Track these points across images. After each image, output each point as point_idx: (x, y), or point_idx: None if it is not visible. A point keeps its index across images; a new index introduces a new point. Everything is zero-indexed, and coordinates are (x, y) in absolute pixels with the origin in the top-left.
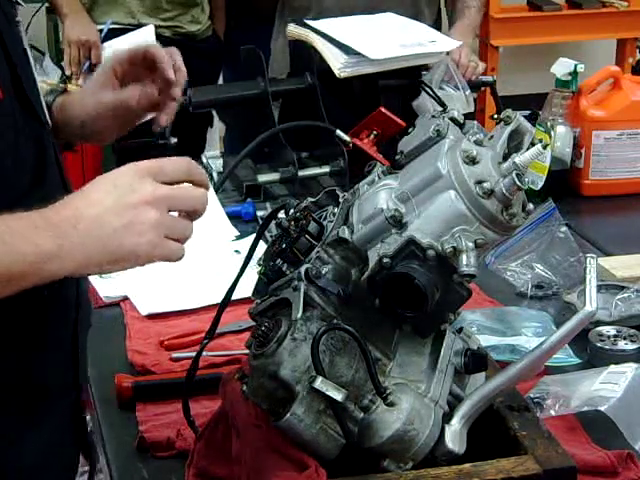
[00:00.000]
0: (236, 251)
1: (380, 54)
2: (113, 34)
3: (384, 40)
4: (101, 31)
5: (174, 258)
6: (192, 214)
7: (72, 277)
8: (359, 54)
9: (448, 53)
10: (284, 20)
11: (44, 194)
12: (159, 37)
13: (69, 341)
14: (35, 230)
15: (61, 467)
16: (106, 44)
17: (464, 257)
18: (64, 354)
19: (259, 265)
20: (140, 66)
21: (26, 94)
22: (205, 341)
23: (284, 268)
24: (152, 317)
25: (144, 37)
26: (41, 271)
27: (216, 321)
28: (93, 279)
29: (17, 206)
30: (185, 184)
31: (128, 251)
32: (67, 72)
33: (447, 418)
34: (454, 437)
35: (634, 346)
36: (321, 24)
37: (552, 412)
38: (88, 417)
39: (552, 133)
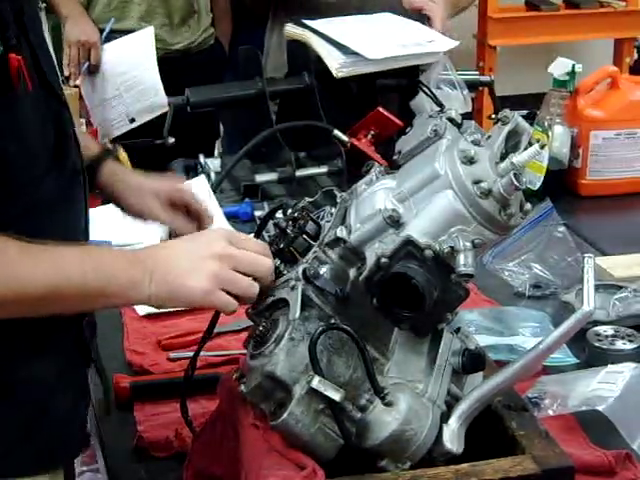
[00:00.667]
0: None
1: (378, 54)
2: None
3: (382, 40)
4: (102, 31)
5: (225, 310)
6: (258, 278)
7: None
8: (357, 54)
9: (445, 53)
10: (277, 18)
11: (63, 167)
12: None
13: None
14: (128, 262)
15: (72, 392)
16: (105, 46)
17: (462, 257)
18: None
19: None
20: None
21: (44, 72)
22: (203, 341)
23: (282, 268)
24: (150, 317)
25: (143, 40)
26: (125, 296)
27: (214, 321)
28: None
29: (40, 181)
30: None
31: (185, 292)
32: (66, 73)
33: (445, 418)
34: (452, 437)
35: (632, 346)
36: (318, 24)
37: (550, 412)
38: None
39: (550, 133)
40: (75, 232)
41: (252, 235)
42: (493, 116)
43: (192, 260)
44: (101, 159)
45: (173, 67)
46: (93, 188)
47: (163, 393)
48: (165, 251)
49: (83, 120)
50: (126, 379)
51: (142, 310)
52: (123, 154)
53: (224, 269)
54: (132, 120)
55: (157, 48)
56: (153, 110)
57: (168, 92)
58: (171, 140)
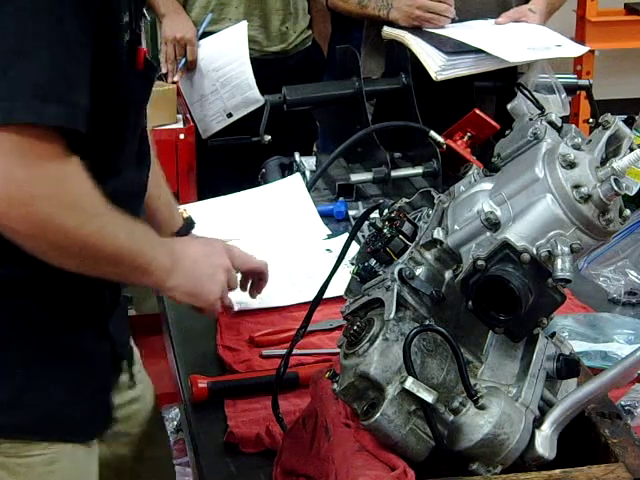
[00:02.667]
0: (327, 250)
1: (515, 57)
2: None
3: (513, 43)
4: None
5: (213, 314)
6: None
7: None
8: (494, 55)
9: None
10: (371, 23)
11: (138, 127)
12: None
13: None
14: (159, 245)
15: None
16: (200, 42)
17: (559, 262)
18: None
19: (352, 264)
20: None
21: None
22: (296, 338)
23: (377, 268)
24: (243, 313)
25: (236, 35)
26: (149, 275)
27: (308, 319)
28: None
29: (125, 139)
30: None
31: (204, 293)
32: (163, 70)
33: (538, 423)
34: (544, 442)
35: None
36: (442, 30)
37: None
38: (176, 410)
39: None
40: None
41: (346, 235)
42: (591, 120)
43: (211, 266)
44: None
45: (270, 70)
46: None
47: (241, 393)
48: (191, 251)
49: (180, 116)
50: (204, 379)
51: (236, 306)
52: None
53: (225, 282)
54: (229, 115)
55: (253, 50)
56: (248, 105)
57: (265, 93)
58: (267, 138)
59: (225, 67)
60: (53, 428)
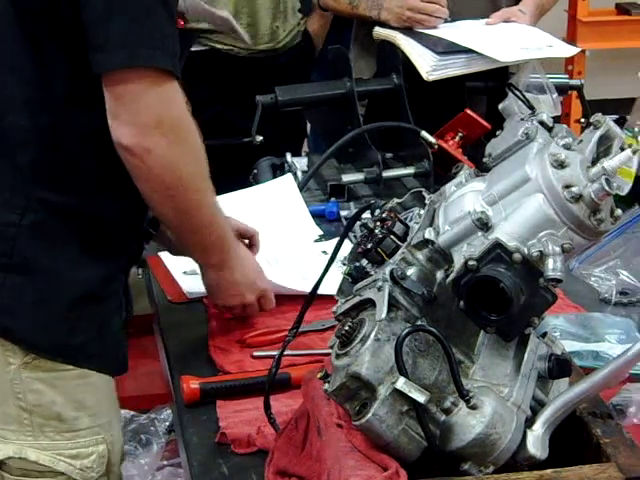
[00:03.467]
0: (323, 252)
1: (507, 57)
2: None
3: (505, 43)
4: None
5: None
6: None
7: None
8: (485, 56)
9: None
10: (361, 24)
11: None
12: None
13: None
14: (226, 244)
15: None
16: None
17: (551, 261)
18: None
19: (344, 265)
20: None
21: None
22: (288, 339)
23: (369, 268)
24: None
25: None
26: (219, 264)
27: (299, 319)
28: (177, 275)
29: None
30: None
31: (256, 285)
32: None
33: (529, 423)
34: (536, 442)
35: None
36: (433, 30)
37: (635, 420)
38: (168, 411)
39: (639, 138)
40: None
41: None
42: (582, 120)
43: (257, 269)
44: None
45: (260, 69)
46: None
47: (232, 394)
48: (242, 251)
49: None
50: (195, 380)
51: None
52: None
53: (254, 302)
54: None
55: (241, 49)
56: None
57: (256, 92)
58: (259, 138)
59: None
60: (85, 358)
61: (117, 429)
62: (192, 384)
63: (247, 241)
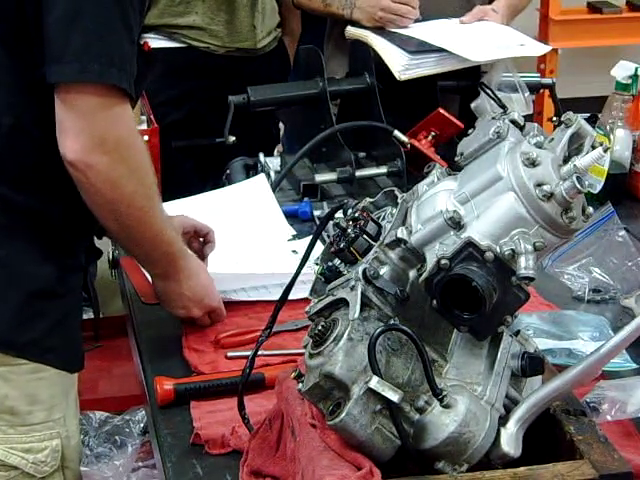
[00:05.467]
0: (293, 251)
1: (479, 56)
2: None
3: (478, 42)
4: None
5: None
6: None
7: None
8: (422, 56)
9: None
10: (334, 22)
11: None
12: (209, 55)
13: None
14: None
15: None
16: None
17: (523, 260)
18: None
19: (317, 265)
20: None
21: None
22: (261, 339)
23: (342, 268)
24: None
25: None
26: (174, 277)
27: (273, 319)
28: (150, 277)
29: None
30: None
31: (211, 297)
32: None
33: (503, 421)
34: (510, 440)
35: None
36: (405, 30)
37: (608, 417)
38: (142, 412)
39: (611, 136)
40: None
41: (311, 236)
42: (554, 119)
43: (210, 282)
44: None
45: (235, 69)
46: None
47: (208, 395)
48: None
49: (144, 117)
50: (170, 381)
51: None
52: None
53: (203, 317)
54: None
55: (217, 46)
56: None
57: (231, 91)
58: (232, 139)
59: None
60: (39, 353)
61: (73, 425)
62: (166, 385)
63: (202, 239)
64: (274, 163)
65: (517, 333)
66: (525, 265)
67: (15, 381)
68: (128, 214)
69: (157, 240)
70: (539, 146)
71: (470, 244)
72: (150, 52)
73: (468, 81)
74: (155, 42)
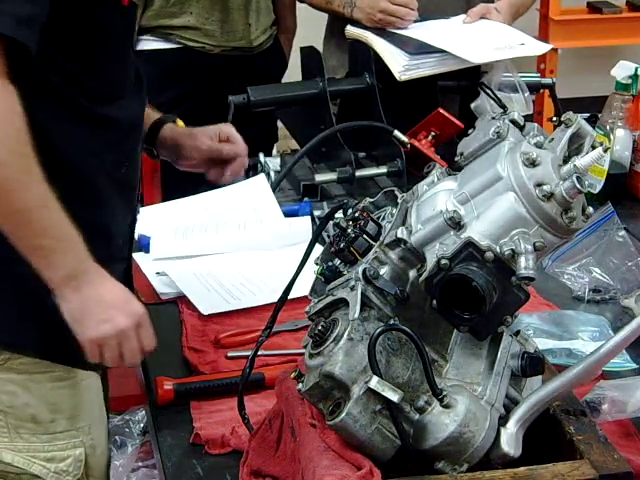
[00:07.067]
0: None
1: (478, 58)
2: None
3: (477, 43)
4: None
5: (107, 361)
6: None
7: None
8: (423, 56)
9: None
10: (336, 20)
11: (127, 57)
12: (205, 56)
13: (132, 211)
14: (76, 249)
15: None
16: None
17: (523, 260)
18: (129, 220)
19: (317, 265)
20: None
21: None
22: (261, 339)
23: (342, 268)
24: (208, 315)
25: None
26: (46, 265)
27: (273, 319)
28: (150, 276)
29: (114, 68)
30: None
31: (83, 327)
32: None
33: (503, 421)
34: (510, 440)
35: None
36: (405, 31)
37: (608, 417)
38: (143, 412)
39: (611, 136)
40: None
41: (311, 234)
42: (554, 119)
43: (108, 317)
44: (163, 121)
45: (232, 67)
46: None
47: (208, 395)
48: (104, 290)
49: None
50: (170, 381)
51: (205, 310)
52: (180, 122)
53: (112, 340)
54: None
55: (214, 46)
56: None
57: (229, 91)
58: None
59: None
60: (58, 351)
61: (99, 433)
62: (166, 385)
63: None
64: (274, 163)
65: (517, 333)
66: (525, 265)
67: (36, 390)
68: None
69: (42, 215)
70: (539, 146)
71: (470, 244)
72: (130, 6)
73: (468, 81)
74: (151, 44)
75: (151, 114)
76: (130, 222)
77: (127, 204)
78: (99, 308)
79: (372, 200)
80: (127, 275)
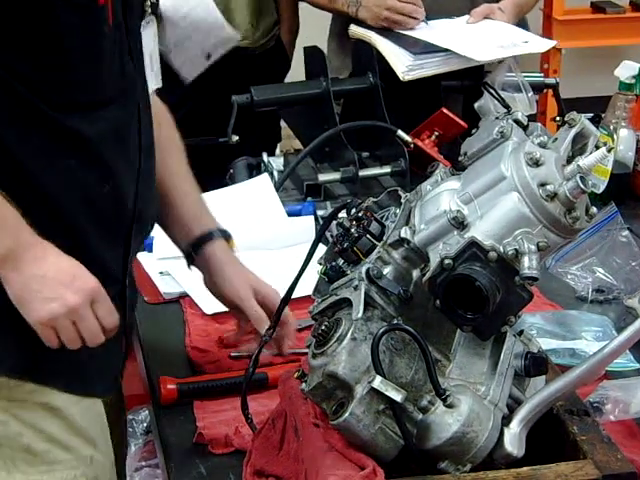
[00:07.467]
0: None
1: (483, 56)
2: None
3: (482, 42)
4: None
5: (66, 341)
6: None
7: (129, 188)
8: (426, 56)
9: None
10: (338, 20)
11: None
12: None
13: (123, 236)
14: (15, 231)
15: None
16: None
17: (526, 260)
18: (119, 247)
19: (320, 264)
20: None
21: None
22: (265, 339)
23: (345, 268)
24: (214, 316)
25: None
26: None
27: (276, 319)
28: (153, 276)
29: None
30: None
31: (28, 308)
32: None
33: (506, 421)
34: (513, 440)
35: None
36: (409, 31)
37: (612, 417)
38: (146, 412)
39: (615, 136)
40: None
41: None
42: (558, 119)
43: (55, 293)
44: (208, 239)
45: (235, 66)
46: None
47: (211, 394)
48: (47, 263)
49: None
50: (173, 381)
51: (209, 309)
52: (233, 242)
53: (61, 317)
54: (208, 56)
55: None
56: (225, 43)
57: (232, 91)
58: (235, 138)
59: (191, 13)
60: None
61: (103, 462)
62: (169, 385)
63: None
64: (277, 163)
65: (520, 333)
66: (528, 265)
67: (28, 419)
68: None
69: None
70: (543, 146)
71: (473, 244)
72: (103, 6)
73: (472, 81)
74: None
75: (202, 220)
76: (123, 253)
77: (113, 229)
78: (44, 286)
79: (375, 200)
80: (122, 296)
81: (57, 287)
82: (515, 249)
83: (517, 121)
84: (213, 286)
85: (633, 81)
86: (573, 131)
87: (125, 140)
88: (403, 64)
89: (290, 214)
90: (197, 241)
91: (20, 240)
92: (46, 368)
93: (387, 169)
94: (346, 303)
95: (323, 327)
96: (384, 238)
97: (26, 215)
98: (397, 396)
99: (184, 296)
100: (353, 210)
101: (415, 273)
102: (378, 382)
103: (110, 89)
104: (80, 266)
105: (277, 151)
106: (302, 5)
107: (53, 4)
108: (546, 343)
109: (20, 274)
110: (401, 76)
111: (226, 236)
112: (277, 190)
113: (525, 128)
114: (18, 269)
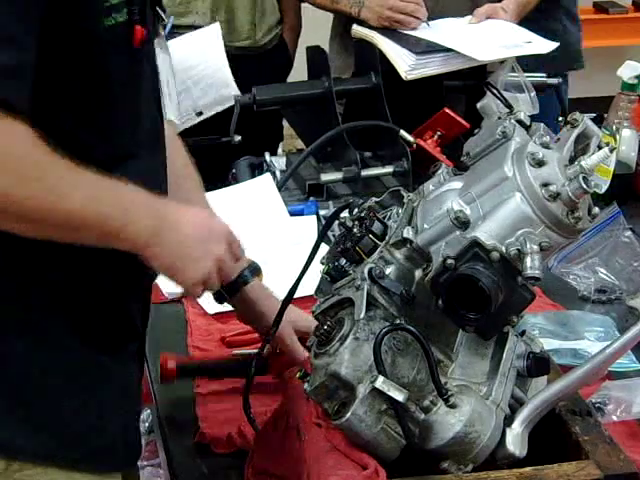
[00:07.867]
0: None
1: (486, 56)
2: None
3: (484, 41)
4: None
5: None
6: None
7: None
8: (428, 56)
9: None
10: (340, 20)
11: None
12: None
13: (147, 293)
14: (143, 207)
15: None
16: (170, 42)
17: (529, 260)
18: (139, 301)
19: (322, 264)
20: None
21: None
22: (267, 338)
23: (347, 267)
24: (216, 315)
25: (210, 35)
26: (123, 241)
27: (278, 319)
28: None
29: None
30: None
31: (183, 275)
32: None
33: (508, 421)
34: (515, 440)
35: None
36: (411, 31)
37: (614, 417)
38: (148, 411)
39: (617, 136)
40: None
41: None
42: (560, 119)
43: (201, 251)
44: (242, 284)
45: (236, 67)
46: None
47: (209, 374)
48: (184, 225)
49: None
50: (173, 359)
51: (211, 309)
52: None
53: (212, 272)
54: (199, 113)
55: None
56: (222, 102)
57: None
58: (237, 138)
59: (198, 66)
60: (78, 455)
61: None
62: (169, 363)
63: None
64: (280, 162)
65: (523, 333)
66: (531, 265)
67: None
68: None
69: (99, 217)
70: (545, 146)
71: (476, 244)
72: (140, 48)
73: (474, 81)
74: None
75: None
76: (142, 306)
77: (137, 282)
78: (189, 249)
79: (378, 200)
80: (141, 351)
81: (200, 245)
82: (518, 249)
83: (520, 121)
84: (247, 320)
85: (636, 81)
86: (576, 131)
87: (155, 188)
88: (406, 64)
89: (292, 214)
90: (230, 285)
91: (156, 215)
92: (68, 451)
93: (389, 169)
94: (348, 303)
95: (325, 327)
96: (386, 238)
97: (59, 269)
98: (399, 396)
99: (186, 295)
100: (355, 210)
101: (417, 273)
102: (380, 382)
103: (144, 130)
104: (205, 213)
105: (279, 151)
106: (304, 4)
107: (105, 51)
108: (548, 343)
109: (164, 247)
110: (403, 76)
111: (256, 271)
112: (279, 190)
113: (528, 128)
114: (161, 243)
